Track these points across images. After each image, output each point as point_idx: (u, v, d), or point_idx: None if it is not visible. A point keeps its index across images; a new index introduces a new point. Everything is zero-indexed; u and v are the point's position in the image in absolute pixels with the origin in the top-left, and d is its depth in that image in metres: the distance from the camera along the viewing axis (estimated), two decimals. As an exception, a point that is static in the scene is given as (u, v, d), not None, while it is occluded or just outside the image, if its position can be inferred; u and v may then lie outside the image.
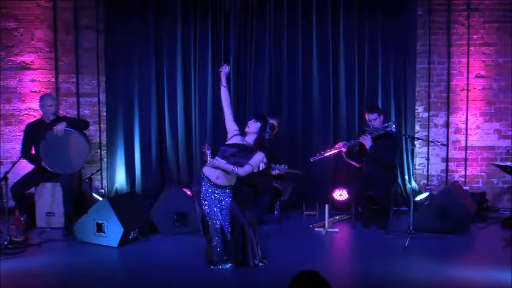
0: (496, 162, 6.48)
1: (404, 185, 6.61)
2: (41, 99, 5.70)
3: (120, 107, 6.61)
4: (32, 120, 6.00)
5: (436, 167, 6.78)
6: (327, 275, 2.41)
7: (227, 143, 4.31)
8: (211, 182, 4.22)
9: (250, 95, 6.57)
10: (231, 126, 4.35)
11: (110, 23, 6.54)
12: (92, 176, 6.43)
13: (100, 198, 6.16)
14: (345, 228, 5.71)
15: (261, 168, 5.58)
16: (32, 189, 5.71)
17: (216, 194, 4.23)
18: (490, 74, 6.64)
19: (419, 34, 6.58)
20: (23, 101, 6.65)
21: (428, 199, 6.19)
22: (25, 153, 5.60)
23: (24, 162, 5.72)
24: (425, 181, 6.75)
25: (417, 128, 6.71)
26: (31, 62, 6.63)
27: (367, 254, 4.77)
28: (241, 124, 4.54)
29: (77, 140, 5.51)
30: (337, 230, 5.57)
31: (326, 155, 5.78)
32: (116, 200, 5.54)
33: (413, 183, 6.64)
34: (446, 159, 6.74)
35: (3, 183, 4.91)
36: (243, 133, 4.35)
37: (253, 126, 4.30)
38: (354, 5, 6.48)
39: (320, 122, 6.60)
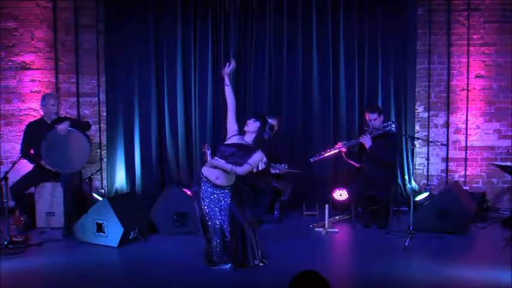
0: (496, 162, 6.48)
1: (404, 185, 6.61)
2: (44, 98, 5.69)
3: (120, 107, 6.61)
4: (33, 120, 6.00)
5: (436, 167, 6.78)
6: (327, 275, 2.41)
7: (226, 142, 4.31)
8: (210, 182, 4.22)
9: (250, 95, 6.57)
10: (231, 126, 4.35)
11: (110, 23, 6.54)
12: (92, 176, 6.43)
13: (100, 198, 6.16)
14: (345, 228, 5.71)
15: (260, 168, 5.58)
16: (32, 189, 5.71)
17: (216, 194, 4.24)
18: (490, 74, 6.64)
19: (419, 34, 6.58)
20: (23, 101, 6.65)
21: (428, 199, 6.20)
22: (25, 153, 5.60)
23: (24, 162, 5.72)
24: (425, 181, 6.75)
25: (417, 128, 6.71)
26: (31, 62, 6.63)
27: (367, 254, 4.77)
28: (241, 124, 4.52)
29: (79, 139, 5.51)
30: (337, 230, 5.57)
31: (326, 155, 5.77)
32: (116, 200, 5.54)
33: (413, 183, 6.64)
34: (446, 159, 6.74)
35: (3, 183, 4.91)
36: (242, 132, 4.35)
37: (252, 125, 4.30)
38: (354, 5, 6.48)
39: (320, 122, 6.60)
